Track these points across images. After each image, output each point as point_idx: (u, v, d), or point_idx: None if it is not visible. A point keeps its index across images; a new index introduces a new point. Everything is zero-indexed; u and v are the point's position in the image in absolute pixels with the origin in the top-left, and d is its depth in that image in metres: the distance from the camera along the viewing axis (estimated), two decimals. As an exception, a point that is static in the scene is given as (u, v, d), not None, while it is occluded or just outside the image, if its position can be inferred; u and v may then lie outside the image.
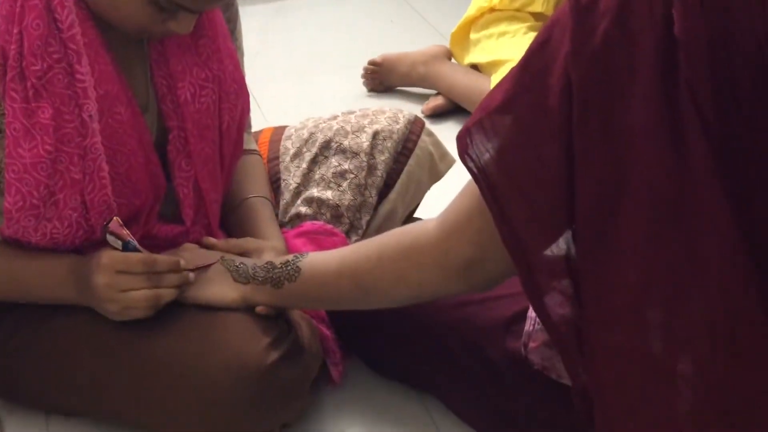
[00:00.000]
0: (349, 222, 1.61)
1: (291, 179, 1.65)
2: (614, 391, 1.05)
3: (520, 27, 2.38)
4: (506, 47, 2.35)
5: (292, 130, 1.72)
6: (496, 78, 2.29)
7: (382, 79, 2.55)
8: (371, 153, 1.63)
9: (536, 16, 2.41)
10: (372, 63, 2.55)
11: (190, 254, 1.40)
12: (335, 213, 1.61)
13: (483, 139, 1.06)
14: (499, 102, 1.05)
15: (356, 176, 1.62)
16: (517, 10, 2.41)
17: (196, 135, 1.38)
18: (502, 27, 2.40)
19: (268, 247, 1.44)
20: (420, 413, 1.50)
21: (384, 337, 1.49)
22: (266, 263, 1.36)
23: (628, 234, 0.99)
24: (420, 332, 1.43)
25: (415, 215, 1.79)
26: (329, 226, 1.59)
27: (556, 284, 1.07)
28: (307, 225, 1.59)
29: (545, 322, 1.09)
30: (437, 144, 1.73)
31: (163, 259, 1.32)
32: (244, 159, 1.58)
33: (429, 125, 1.73)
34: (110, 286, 1.30)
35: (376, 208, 1.64)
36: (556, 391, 1.27)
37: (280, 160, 1.68)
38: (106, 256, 1.29)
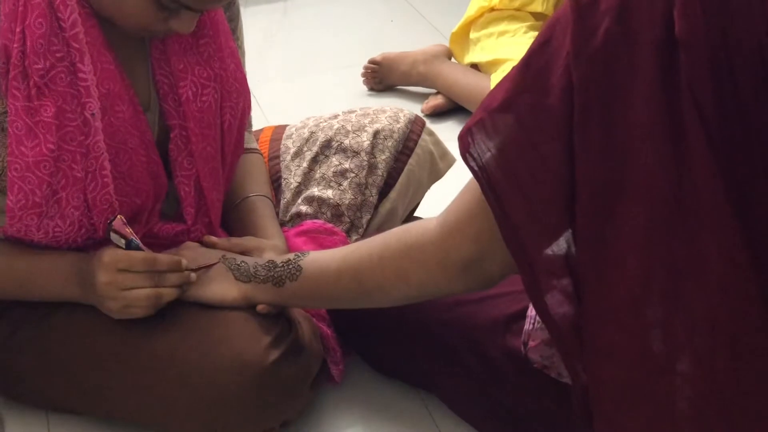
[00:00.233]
0: (350, 221, 1.61)
1: (292, 178, 1.65)
2: (614, 390, 1.05)
3: (520, 26, 2.38)
4: (506, 46, 2.35)
5: (293, 129, 1.72)
6: (496, 77, 2.29)
7: (382, 78, 2.55)
8: (372, 152, 1.63)
9: (536, 15, 2.41)
10: (372, 62, 2.55)
11: (191, 253, 1.40)
12: (336, 212, 1.61)
13: (484, 138, 1.06)
14: (500, 101, 1.05)
15: (357, 175, 1.62)
16: (517, 9, 2.41)
17: (198, 134, 1.39)
18: (502, 26, 2.40)
19: (269, 246, 1.45)
20: (420, 411, 1.51)
21: (384, 335, 1.49)
22: (267, 262, 1.36)
23: (628, 233, 1.00)
24: (420, 331, 1.43)
25: (416, 214, 1.79)
26: (330, 225, 1.59)
27: (557, 283, 1.07)
28: (308, 224, 1.59)
29: (546, 320, 1.09)
30: (438, 143, 1.73)
31: (164, 258, 1.32)
32: (244, 158, 1.58)
33: (429, 124, 1.74)
34: (111, 285, 1.30)
35: (376, 207, 1.64)
36: (556, 390, 1.27)
37: (281, 159, 1.68)
38: (108, 255, 1.30)
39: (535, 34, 2.32)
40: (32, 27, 1.22)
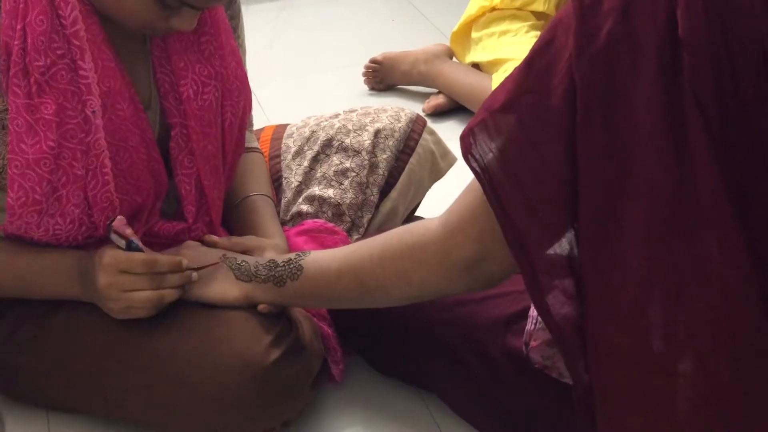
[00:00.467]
0: (351, 220, 1.61)
1: (292, 177, 1.65)
2: (615, 390, 1.05)
3: (521, 26, 2.38)
4: (508, 46, 2.35)
5: (294, 128, 1.72)
6: (497, 77, 2.29)
7: (383, 77, 2.55)
8: (373, 151, 1.63)
9: (538, 15, 2.41)
10: (373, 61, 2.55)
11: (192, 252, 1.40)
12: (337, 211, 1.61)
13: (486, 139, 1.06)
14: (502, 102, 1.05)
15: (358, 174, 1.62)
16: (519, 8, 2.41)
17: (199, 132, 1.39)
18: (504, 26, 2.40)
19: (270, 245, 1.44)
20: (421, 411, 1.51)
21: (385, 335, 1.49)
22: (268, 261, 1.36)
23: (630, 233, 1.00)
24: (421, 331, 1.43)
25: (417, 214, 1.79)
26: (331, 225, 1.59)
27: (558, 283, 1.07)
28: (309, 223, 1.59)
29: (547, 321, 1.09)
30: (439, 142, 1.73)
31: (165, 259, 1.32)
32: (245, 157, 1.58)
33: (430, 124, 1.74)
34: (113, 286, 1.30)
35: (377, 206, 1.64)
36: (557, 390, 1.27)
37: (282, 158, 1.68)
38: (108, 256, 1.30)
39: (537, 33, 2.33)
40: (33, 24, 1.22)
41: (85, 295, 1.33)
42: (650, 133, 0.97)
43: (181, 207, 1.44)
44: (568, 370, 1.12)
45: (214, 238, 1.43)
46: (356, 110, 1.71)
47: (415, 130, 1.68)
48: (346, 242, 1.55)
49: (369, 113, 1.68)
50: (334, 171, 1.62)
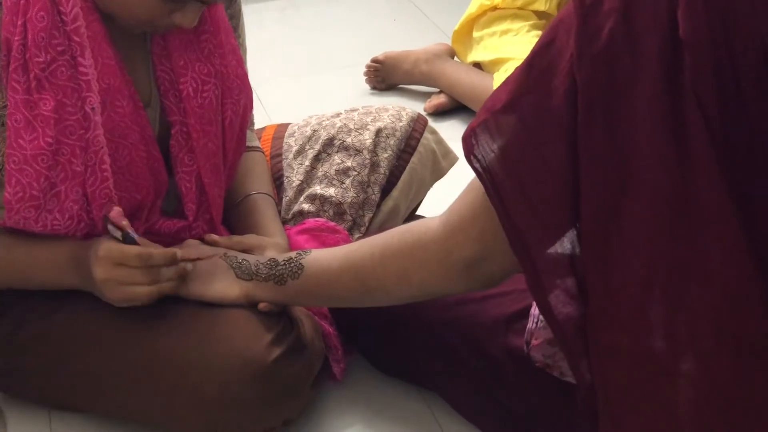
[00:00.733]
0: (352, 219, 1.61)
1: (294, 176, 1.65)
2: (617, 390, 1.05)
3: (523, 25, 2.38)
4: (509, 45, 2.35)
5: (295, 127, 1.72)
6: (498, 76, 2.29)
7: (384, 76, 2.55)
8: (374, 150, 1.63)
9: (539, 14, 2.41)
10: (374, 61, 2.55)
11: (193, 250, 1.40)
12: (338, 210, 1.61)
13: (488, 139, 1.07)
14: (503, 102, 1.06)
15: (359, 173, 1.62)
16: (520, 8, 2.40)
17: (199, 130, 1.39)
18: (505, 25, 2.40)
19: (271, 244, 1.45)
20: (422, 410, 1.51)
21: (386, 334, 1.49)
22: (269, 260, 1.36)
23: (631, 233, 1.00)
24: (422, 329, 1.43)
25: (418, 213, 1.79)
26: (332, 224, 1.59)
27: (560, 283, 1.07)
28: (310, 222, 1.59)
29: (549, 320, 1.09)
30: (440, 142, 1.73)
31: (158, 253, 1.31)
32: (246, 156, 1.58)
33: (431, 123, 1.74)
34: (109, 280, 1.30)
35: (378, 205, 1.64)
36: (558, 389, 1.27)
37: (283, 157, 1.69)
38: (103, 249, 1.29)
39: (538, 32, 2.33)
40: (34, 20, 1.23)
41: (82, 284, 1.33)
42: (651, 133, 0.97)
43: (181, 205, 1.44)
44: (571, 370, 1.12)
45: (215, 237, 1.44)
46: (357, 109, 1.71)
47: (416, 129, 1.68)
48: (347, 241, 1.55)
49: (370, 112, 1.68)
50: (336, 170, 1.63)
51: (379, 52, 2.55)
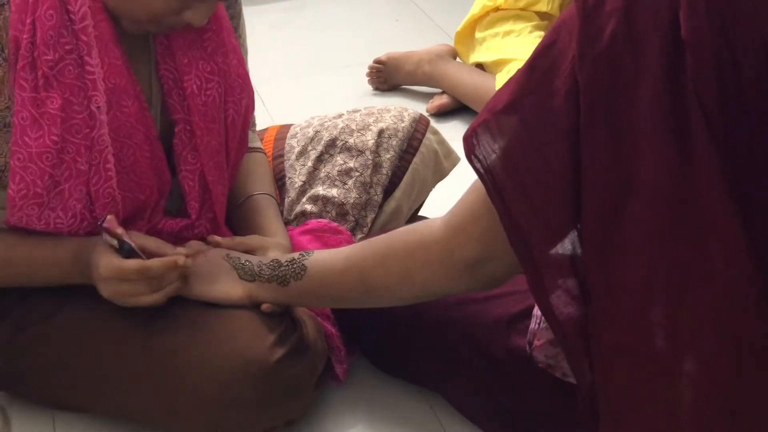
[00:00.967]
0: (354, 220, 1.62)
1: (296, 177, 1.65)
2: (618, 390, 1.05)
3: (525, 26, 2.38)
4: (511, 46, 2.35)
5: (298, 128, 1.72)
6: (501, 77, 2.29)
7: (387, 77, 2.55)
8: (376, 151, 1.64)
9: (541, 15, 2.41)
10: (377, 61, 2.55)
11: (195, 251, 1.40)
12: (340, 211, 1.61)
13: (489, 139, 1.07)
14: (505, 103, 1.06)
15: (361, 174, 1.62)
16: (522, 9, 2.41)
17: (203, 128, 1.39)
18: (508, 26, 2.40)
19: (273, 244, 1.45)
20: (424, 411, 1.51)
21: (388, 334, 1.49)
22: (272, 261, 1.36)
23: (633, 233, 1.00)
24: (424, 330, 1.43)
25: (420, 213, 1.79)
26: (334, 224, 1.59)
27: (562, 283, 1.07)
28: (313, 223, 1.59)
29: (551, 321, 1.09)
30: (442, 142, 1.73)
31: (157, 264, 1.31)
32: (248, 157, 1.58)
33: (434, 124, 1.74)
34: (114, 296, 1.31)
35: (381, 206, 1.64)
36: (560, 390, 1.27)
37: (285, 158, 1.69)
38: (104, 268, 1.29)
39: (541, 33, 2.33)
40: (43, 18, 1.23)
41: (85, 281, 1.33)
42: (653, 134, 0.97)
43: (184, 206, 1.44)
44: (572, 370, 1.12)
45: (217, 238, 1.43)
46: (360, 110, 1.71)
47: (418, 129, 1.68)
48: (350, 242, 1.56)
49: (372, 113, 1.69)
50: (338, 171, 1.63)
51: (381, 53, 2.55)
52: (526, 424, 1.35)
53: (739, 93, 0.94)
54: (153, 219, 1.40)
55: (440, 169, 1.73)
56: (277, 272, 1.34)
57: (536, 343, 1.29)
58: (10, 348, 1.41)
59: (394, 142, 1.65)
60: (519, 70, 1.06)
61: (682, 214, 0.97)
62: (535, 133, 1.04)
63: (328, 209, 1.61)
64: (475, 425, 1.45)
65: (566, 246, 1.06)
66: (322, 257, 1.33)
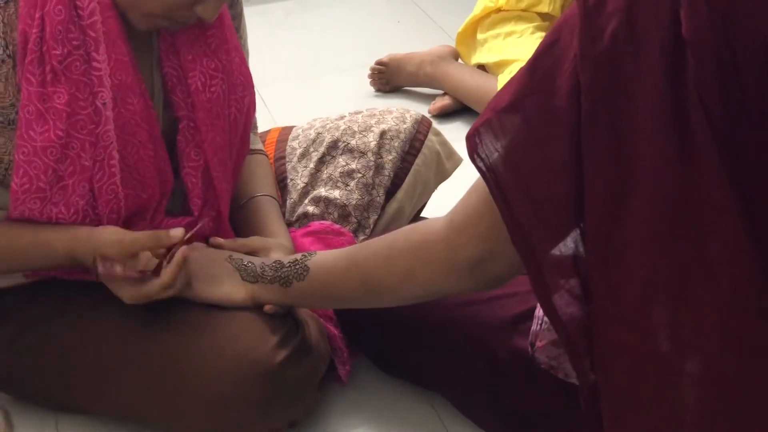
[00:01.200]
0: (357, 221, 1.62)
1: (298, 179, 1.65)
2: (622, 390, 1.05)
3: (527, 27, 2.38)
4: (513, 47, 2.35)
5: (299, 130, 1.72)
6: (503, 78, 2.29)
7: (388, 79, 2.55)
8: (378, 152, 1.64)
9: (543, 16, 2.41)
10: (379, 63, 2.55)
11: (197, 253, 1.40)
12: (343, 212, 1.61)
13: (492, 139, 1.07)
14: (507, 102, 1.06)
15: (364, 175, 1.62)
16: (524, 10, 2.40)
17: (208, 124, 1.39)
18: (509, 27, 2.40)
19: (275, 245, 1.45)
20: (427, 412, 1.51)
21: (391, 335, 1.49)
22: (274, 262, 1.36)
23: (635, 232, 1.00)
24: (427, 331, 1.43)
25: (422, 215, 1.79)
26: (337, 226, 1.59)
27: (564, 283, 1.07)
28: (315, 224, 1.59)
29: (554, 321, 1.09)
30: (444, 143, 1.73)
31: (172, 233, 1.32)
32: (250, 158, 1.58)
33: (435, 125, 1.74)
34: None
35: (383, 207, 1.64)
36: (563, 391, 1.27)
37: (287, 160, 1.69)
38: (110, 235, 1.30)
39: (542, 34, 2.33)
40: (52, 13, 1.23)
41: (76, 255, 1.32)
42: (654, 133, 0.97)
43: (186, 207, 1.44)
44: (575, 370, 1.12)
45: (219, 240, 1.44)
46: (361, 112, 1.71)
47: (420, 131, 1.68)
48: (352, 243, 1.55)
49: (374, 115, 1.69)
50: (340, 172, 1.63)
51: (383, 54, 2.55)
52: (528, 425, 1.35)
53: (740, 92, 0.94)
54: (155, 219, 1.40)
55: (442, 170, 1.73)
56: (279, 273, 1.34)
57: (538, 344, 1.29)
58: (13, 349, 1.41)
59: (396, 144, 1.65)
60: (521, 70, 1.06)
61: (683, 213, 0.97)
62: (537, 132, 1.04)
63: (330, 211, 1.61)
64: (477, 426, 1.45)
65: (569, 245, 1.06)
66: (324, 258, 1.33)
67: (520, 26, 2.39)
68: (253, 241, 1.46)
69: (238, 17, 1.52)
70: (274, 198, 1.57)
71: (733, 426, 1.00)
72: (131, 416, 1.43)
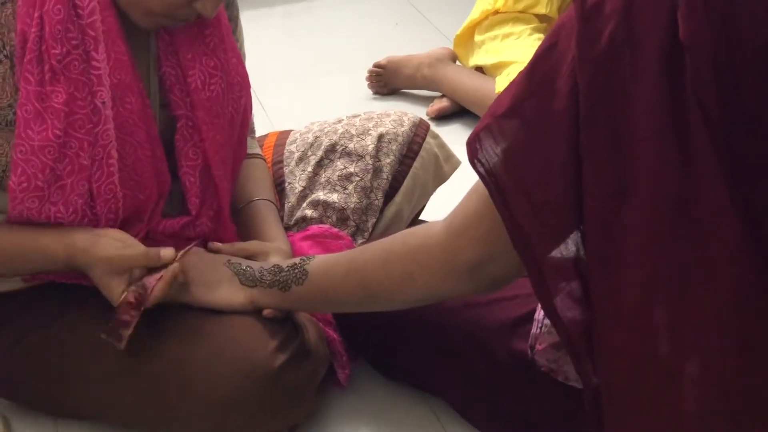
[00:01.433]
0: (355, 225, 1.62)
1: (296, 183, 1.65)
2: (622, 392, 1.05)
3: (524, 28, 2.38)
4: (511, 49, 2.35)
5: (297, 134, 1.72)
6: (501, 80, 2.29)
7: (386, 81, 2.55)
8: (376, 156, 1.64)
9: (540, 17, 2.41)
10: (377, 66, 2.55)
11: (196, 258, 1.39)
12: (341, 216, 1.61)
13: (492, 143, 1.07)
14: (507, 106, 1.06)
15: (362, 179, 1.62)
16: (522, 11, 2.40)
17: (208, 122, 1.39)
18: (507, 29, 2.40)
19: (274, 249, 1.45)
20: (427, 415, 1.50)
21: (390, 339, 1.49)
22: (273, 266, 1.36)
23: (634, 234, 1.00)
24: (426, 334, 1.43)
25: (421, 217, 1.79)
26: (335, 230, 1.59)
27: (565, 286, 1.07)
28: (314, 228, 1.59)
29: (555, 323, 1.09)
30: (442, 146, 1.73)
31: (165, 252, 1.33)
32: (248, 162, 1.58)
33: (434, 128, 1.74)
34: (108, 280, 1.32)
35: (381, 210, 1.64)
36: (563, 393, 1.27)
37: (285, 163, 1.69)
38: (103, 246, 1.30)
39: (540, 36, 2.33)
40: (51, 13, 1.24)
41: (69, 261, 1.33)
42: (652, 135, 0.97)
43: (185, 209, 1.43)
44: (578, 373, 1.12)
45: (217, 244, 1.43)
46: (359, 115, 1.71)
47: (418, 134, 1.68)
48: (350, 247, 1.55)
49: (372, 118, 1.69)
50: (338, 176, 1.63)
51: (381, 57, 2.55)
52: (527, 427, 1.35)
53: (739, 94, 0.94)
54: (152, 221, 1.40)
55: (441, 173, 1.73)
56: (278, 277, 1.34)
57: (538, 347, 1.29)
58: (12, 355, 1.41)
59: (394, 147, 1.65)
60: (520, 73, 1.07)
61: (682, 214, 0.97)
62: (536, 135, 1.04)
63: (328, 214, 1.61)
64: (476, 429, 1.45)
65: (570, 248, 1.07)
66: (323, 262, 1.33)
67: (518, 28, 2.39)
68: (252, 245, 1.46)
69: (234, 20, 1.52)
70: (272, 202, 1.57)
71: (734, 427, 1.00)
72: (130, 421, 1.42)
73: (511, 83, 1.07)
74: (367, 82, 2.57)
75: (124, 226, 1.34)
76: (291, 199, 1.65)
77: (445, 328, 1.41)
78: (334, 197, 1.61)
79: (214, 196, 1.43)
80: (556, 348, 1.26)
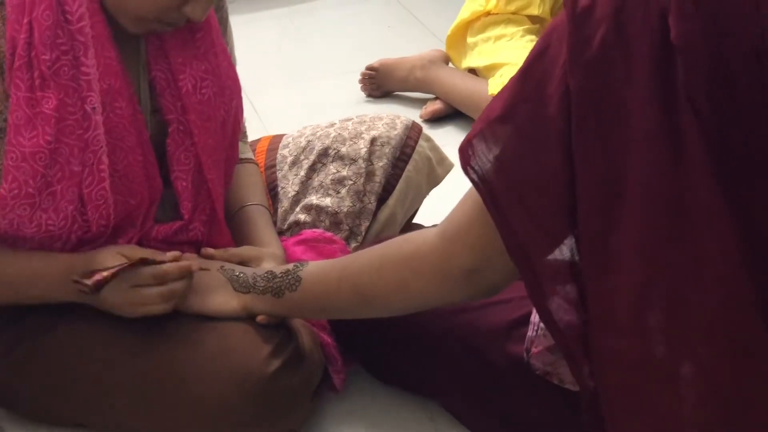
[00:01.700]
0: (349, 228, 1.61)
1: (289, 187, 1.65)
2: (618, 395, 1.05)
3: (516, 30, 2.38)
4: (503, 50, 2.35)
5: (290, 138, 1.72)
6: (493, 81, 2.29)
7: (379, 84, 2.55)
8: (369, 159, 1.63)
9: (533, 18, 2.41)
10: (369, 68, 2.55)
11: (194, 262, 1.39)
12: (334, 220, 1.61)
13: (485, 149, 1.07)
14: (499, 112, 1.06)
15: (355, 183, 1.62)
16: (514, 13, 2.40)
17: (200, 126, 1.38)
18: (499, 30, 2.40)
19: (267, 255, 1.44)
20: (422, 420, 1.50)
21: (385, 343, 1.49)
22: (266, 272, 1.36)
23: (627, 238, 1.00)
24: (421, 338, 1.43)
25: (415, 220, 1.79)
26: (329, 234, 1.58)
27: (560, 290, 1.07)
28: (307, 233, 1.59)
29: (551, 327, 1.09)
30: (435, 149, 1.73)
31: (173, 269, 1.32)
32: (240, 167, 1.57)
33: (427, 130, 1.74)
34: (124, 303, 1.31)
35: (375, 214, 1.64)
36: (558, 397, 1.27)
37: (278, 168, 1.68)
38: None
39: (533, 37, 2.33)
40: (40, 19, 1.23)
41: (78, 299, 1.33)
42: (645, 138, 0.97)
43: (177, 214, 1.43)
44: (574, 377, 1.12)
45: (210, 250, 1.43)
46: (352, 119, 1.71)
47: (410, 137, 1.68)
48: (344, 251, 1.55)
49: (364, 121, 1.68)
50: (331, 180, 1.62)
51: (373, 60, 2.55)
52: (523, 430, 1.35)
53: (731, 95, 0.94)
54: (144, 226, 1.39)
55: (434, 175, 1.72)
56: (271, 284, 1.34)
57: (534, 350, 1.29)
58: (7, 363, 1.40)
59: (386, 150, 1.64)
60: (512, 79, 1.06)
61: (675, 217, 0.97)
62: (529, 140, 1.04)
63: (321, 218, 1.61)
64: (473, 433, 1.45)
65: (564, 252, 1.07)
66: (316, 268, 1.33)
67: (510, 29, 2.39)
68: (245, 250, 1.45)
69: (224, 22, 1.52)
70: (265, 207, 1.56)
71: (729, 429, 1.00)
72: (125, 428, 1.42)
73: (503, 88, 1.07)
74: (360, 85, 2.57)
75: (116, 232, 1.34)
76: (284, 203, 1.65)
77: (441, 331, 1.41)
78: (327, 201, 1.61)
79: (206, 201, 1.43)
80: (551, 351, 1.26)
